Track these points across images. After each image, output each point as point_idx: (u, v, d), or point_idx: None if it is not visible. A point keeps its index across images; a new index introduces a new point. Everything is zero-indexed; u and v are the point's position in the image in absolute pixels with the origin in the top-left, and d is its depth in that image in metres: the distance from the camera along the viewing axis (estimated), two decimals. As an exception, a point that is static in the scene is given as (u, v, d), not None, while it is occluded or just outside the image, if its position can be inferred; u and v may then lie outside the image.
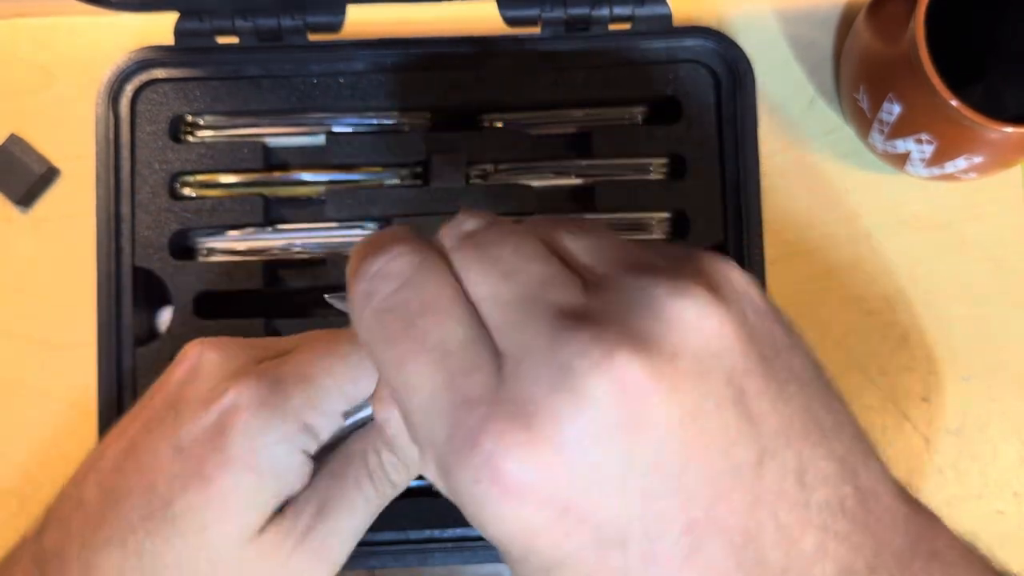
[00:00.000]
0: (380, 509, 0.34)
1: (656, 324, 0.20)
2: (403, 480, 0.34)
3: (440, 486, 0.22)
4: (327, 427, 0.32)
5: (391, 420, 0.25)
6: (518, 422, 0.20)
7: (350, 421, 0.32)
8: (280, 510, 0.32)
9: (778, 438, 0.20)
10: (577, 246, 0.23)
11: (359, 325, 0.23)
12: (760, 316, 0.22)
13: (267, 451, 0.30)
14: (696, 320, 0.20)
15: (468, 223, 0.24)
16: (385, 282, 0.23)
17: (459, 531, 0.45)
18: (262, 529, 0.31)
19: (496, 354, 0.21)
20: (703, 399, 0.20)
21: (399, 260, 0.23)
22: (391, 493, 0.34)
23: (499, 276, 0.22)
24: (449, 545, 0.45)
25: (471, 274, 0.22)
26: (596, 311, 0.21)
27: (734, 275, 0.22)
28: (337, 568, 0.33)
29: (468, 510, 0.21)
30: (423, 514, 0.45)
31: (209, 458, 0.30)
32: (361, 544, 0.45)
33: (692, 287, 0.21)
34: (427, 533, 0.45)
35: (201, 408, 0.31)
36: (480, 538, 0.41)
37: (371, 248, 0.23)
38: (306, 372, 0.32)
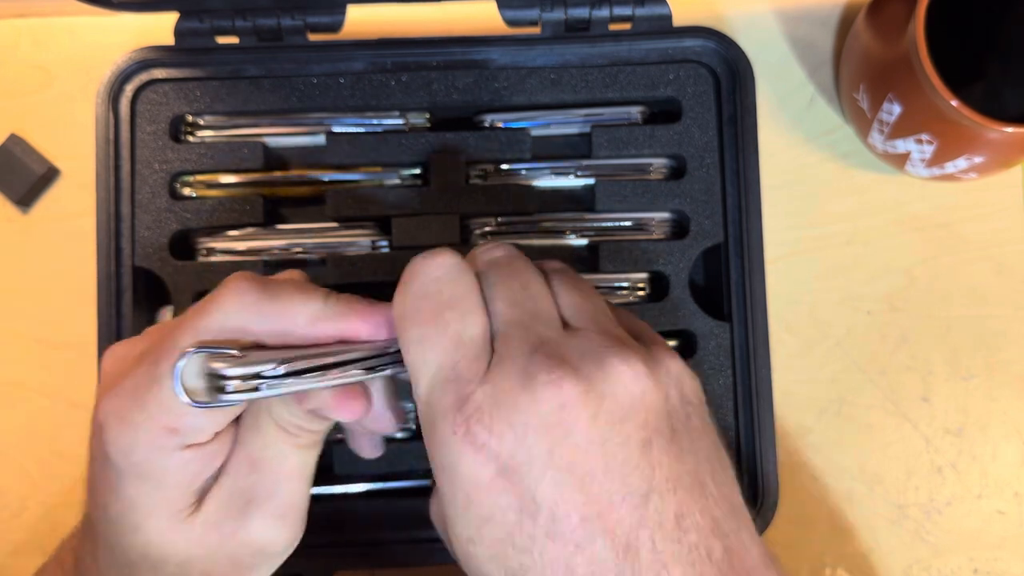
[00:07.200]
0: (316, 446, 0.34)
1: (599, 373, 0.28)
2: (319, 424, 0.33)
3: (425, 432, 0.29)
4: (206, 418, 0.31)
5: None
6: (490, 400, 0.27)
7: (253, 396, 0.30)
8: (216, 477, 0.32)
9: (667, 483, 0.27)
10: (570, 299, 0.31)
11: (397, 304, 0.30)
12: (682, 400, 0.29)
13: (142, 461, 0.31)
14: (629, 382, 0.28)
15: (497, 251, 0.32)
16: (426, 272, 0.30)
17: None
18: (198, 504, 0.32)
19: (490, 351, 0.29)
20: (615, 433, 0.27)
21: (441, 258, 0.30)
22: (316, 432, 0.34)
23: (510, 300, 0.30)
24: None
25: (491, 290, 0.30)
26: (563, 348, 0.28)
27: (673, 365, 0.29)
28: (299, 512, 0.34)
29: (438, 452, 0.28)
30: (425, 514, 0.45)
31: (106, 475, 0.32)
32: (363, 543, 0.45)
33: (634, 360, 0.28)
34: (429, 532, 0.45)
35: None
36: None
37: (422, 254, 0.31)
38: (160, 372, 0.31)
